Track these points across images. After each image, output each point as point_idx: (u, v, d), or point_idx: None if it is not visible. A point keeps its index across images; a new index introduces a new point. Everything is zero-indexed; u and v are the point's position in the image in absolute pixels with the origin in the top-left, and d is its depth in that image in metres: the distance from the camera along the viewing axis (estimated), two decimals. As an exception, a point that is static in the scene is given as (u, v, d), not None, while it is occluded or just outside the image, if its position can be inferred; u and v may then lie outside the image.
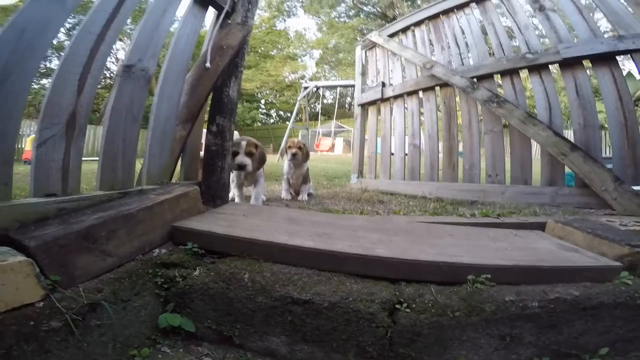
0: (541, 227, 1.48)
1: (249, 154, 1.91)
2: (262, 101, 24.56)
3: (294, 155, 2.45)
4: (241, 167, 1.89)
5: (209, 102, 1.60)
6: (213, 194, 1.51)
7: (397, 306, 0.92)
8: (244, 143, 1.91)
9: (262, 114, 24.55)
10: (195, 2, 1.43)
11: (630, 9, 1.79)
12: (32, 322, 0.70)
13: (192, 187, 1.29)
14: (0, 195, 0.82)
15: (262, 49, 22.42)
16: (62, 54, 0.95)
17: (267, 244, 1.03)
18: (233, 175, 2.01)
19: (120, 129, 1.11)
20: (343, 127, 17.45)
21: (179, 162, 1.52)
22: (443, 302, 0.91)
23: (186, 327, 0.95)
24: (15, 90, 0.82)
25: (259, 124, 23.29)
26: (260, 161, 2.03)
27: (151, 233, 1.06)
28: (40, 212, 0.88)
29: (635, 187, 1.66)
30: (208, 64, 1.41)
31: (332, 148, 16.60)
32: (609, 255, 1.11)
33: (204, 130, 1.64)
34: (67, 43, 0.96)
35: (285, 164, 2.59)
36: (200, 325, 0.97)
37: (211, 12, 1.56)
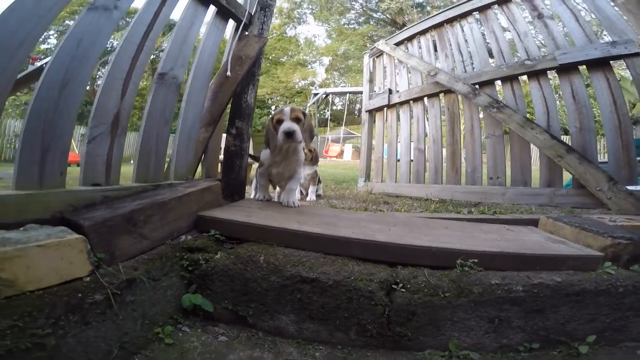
0: (534, 223, 1.56)
1: (295, 120, 1.50)
2: (273, 107, 24.97)
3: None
4: (289, 135, 1.45)
5: (228, 107, 1.77)
6: (231, 190, 1.66)
7: (394, 286, 1.01)
8: (287, 109, 1.53)
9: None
10: (217, 15, 1.61)
11: (624, 17, 1.89)
12: (80, 295, 0.77)
13: (215, 182, 1.45)
14: (58, 183, 0.97)
15: (273, 55, 22.83)
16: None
17: (280, 229, 1.16)
18: (262, 169, 1.73)
19: (154, 130, 1.28)
20: (352, 134, 17.60)
21: (201, 162, 1.69)
22: (435, 283, 1.01)
23: (205, 307, 1.05)
24: (73, 93, 0.98)
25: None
26: (310, 134, 1.60)
27: (179, 221, 1.21)
28: (89, 198, 1.02)
29: (630, 187, 1.73)
30: (229, 73, 1.58)
31: (340, 154, 16.75)
32: (593, 246, 1.17)
33: (224, 135, 1.79)
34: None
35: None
36: (217, 307, 1.07)
37: (230, 24, 1.74)
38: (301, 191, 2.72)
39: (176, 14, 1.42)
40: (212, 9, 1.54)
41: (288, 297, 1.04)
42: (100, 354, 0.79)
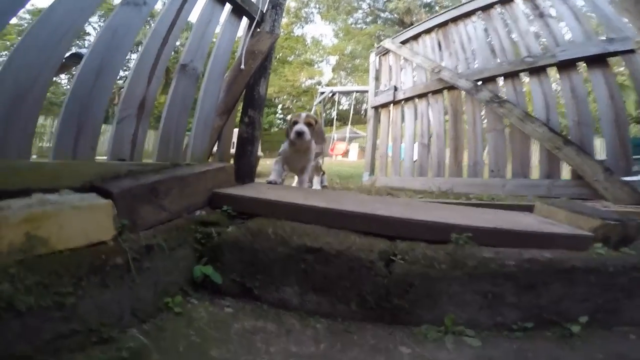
0: (530, 209, 1.63)
1: (308, 124, 1.94)
2: (279, 106, 25.13)
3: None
4: (299, 134, 1.90)
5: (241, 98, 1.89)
6: (242, 174, 1.78)
7: (393, 257, 1.06)
8: (303, 114, 2.00)
9: (279, 119, 25.12)
10: (232, 13, 1.73)
11: (621, 15, 1.95)
12: (103, 256, 0.80)
13: (228, 164, 1.57)
14: (90, 155, 1.09)
15: (280, 54, 22.94)
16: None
17: (287, 204, 1.27)
18: (279, 158, 2.10)
19: (175, 115, 1.41)
20: (358, 133, 17.65)
21: (215, 148, 1.81)
22: (431, 255, 1.07)
23: (214, 279, 1.10)
24: (107, 79, 1.10)
25: (276, 129, 23.85)
26: (320, 136, 2.07)
27: (196, 196, 1.31)
28: (115, 170, 1.09)
29: (625, 178, 1.80)
30: (243, 66, 1.70)
31: (346, 153, 16.79)
32: (584, 228, 1.21)
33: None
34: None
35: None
36: (226, 279, 1.12)
37: (244, 21, 1.86)
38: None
39: (195, 14, 1.55)
40: (227, 6, 1.66)
41: (293, 268, 1.10)
42: (112, 319, 0.81)
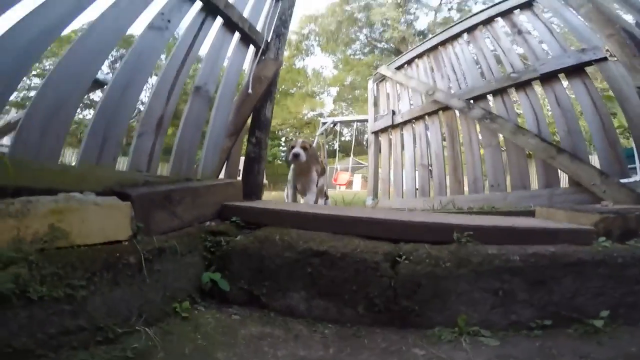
0: (532, 215, 1.66)
1: (303, 148, 2.45)
2: (283, 139, 25.73)
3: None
4: (295, 156, 2.40)
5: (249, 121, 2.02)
6: (250, 191, 1.86)
7: (398, 258, 1.08)
8: (300, 140, 2.55)
9: (282, 152, 25.60)
10: (240, 42, 1.91)
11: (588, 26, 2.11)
12: (117, 254, 0.84)
13: (237, 180, 1.65)
14: (112, 164, 1.18)
15: (283, 86, 23.68)
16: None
17: (293, 212, 1.33)
18: (290, 180, 2.62)
19: (188, 134, 1.52)
20: (361, 164, 17.87)
21: (224, 168, 1.91)
22: (435, 254, 1.07)
23: (222, 286, 1.13)
24: (131, 96, 1.23)
25: (280, 162, 24.18)
26: (314, 157, 2.58)
27: (206, 207, 1.38)
28: (133, 179, 1.19)
29: (623, 180, 1.84)
30: (250, 90, 1.86)
31: (349, 184, 16.86)
32: (585, 224, 1.21)
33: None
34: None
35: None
36: (233, 287, 1.15)
37: (251, 49, 2.04)
38: None
39: (208, 42, 1.73)
40: (236, 35, 1.85)
41: (299, 272, 1.12)
42: (120, 319, 0.83)
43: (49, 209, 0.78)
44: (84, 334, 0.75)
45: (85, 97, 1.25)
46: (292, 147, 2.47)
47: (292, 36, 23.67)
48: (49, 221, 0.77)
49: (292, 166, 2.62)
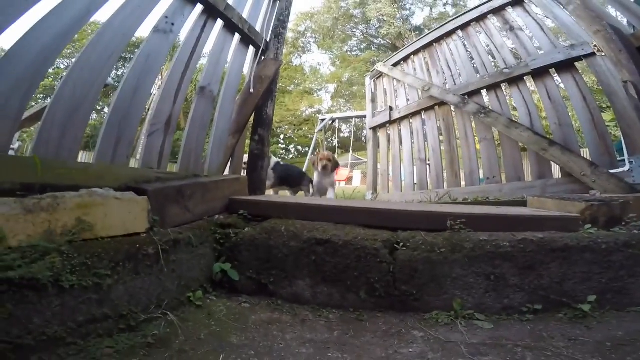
0: (524, 204, 1.74)
1: (328, 160, 3.46)
2: (281, 137, 25.69)
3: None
4: (324, 167, 3.39)
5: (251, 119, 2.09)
6: (254, 187, 1.93)
7: (396, 245, 1.16)
8: (326, 153, 3.62)
9: (281, 149, 25.60)
10: (240, 42, 1.97)
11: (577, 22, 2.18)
12: (137, 245, 0.90)
13: (242, 175, 1.72)
14: (125, 163, 1.25)
15: (281, 84, 23.64)
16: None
17: (296, 204, 1.40)
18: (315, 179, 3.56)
19: (195, 133, 1.59)
20: (360, 159, 17.90)
21: (229, 164, 1.98)
22: (431, 241, 1.15)
23: (232, 276, 1.20)
24: (141, 97, 1.30)
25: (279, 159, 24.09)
26: (335, 166, 3.55)
27: (215, 201, 1.45)
28: (146, 176, 1.25)
29: (612, 171, 1.91)
30: (252, 90, 1.92)
31: (349, 180, 16.89)
32: (572, 212, 1.28)
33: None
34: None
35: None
36: (242, 277, 1.21)
37: (251, 50, 2.10)
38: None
39: (210, 44, 1.79)
40: (237, 37, 1.91)
41: (305, 260, 1.19)
42: (140, 307, 0.88)
43: (76, 204, 0.84)
44: (109, 322, 0.80)
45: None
46: (321, 159, 3.41)
47: (288, 34, 23.48)
48: (76, 215, 0.83)
49: (317, 172, 3.51)
